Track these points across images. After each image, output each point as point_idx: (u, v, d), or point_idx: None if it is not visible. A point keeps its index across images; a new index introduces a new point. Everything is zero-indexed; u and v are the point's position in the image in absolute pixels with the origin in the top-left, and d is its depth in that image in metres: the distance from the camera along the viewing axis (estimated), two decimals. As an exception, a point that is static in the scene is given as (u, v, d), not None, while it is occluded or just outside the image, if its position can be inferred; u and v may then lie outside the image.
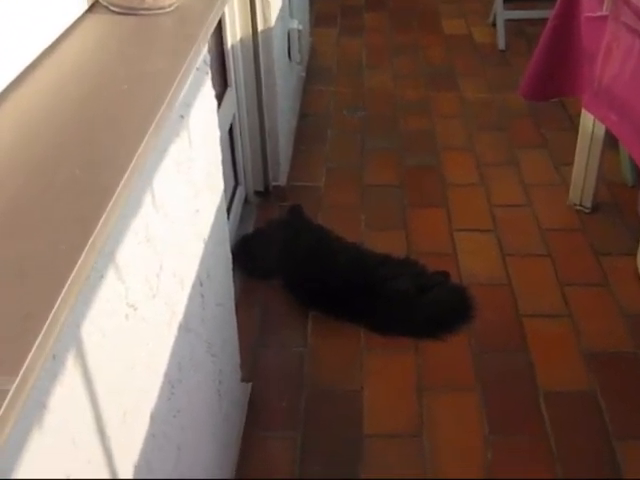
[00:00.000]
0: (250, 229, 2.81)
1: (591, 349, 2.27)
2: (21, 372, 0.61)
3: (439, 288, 2.50)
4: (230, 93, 2.60)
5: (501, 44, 4.35)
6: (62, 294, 0.68)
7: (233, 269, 1.84)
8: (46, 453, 0.79)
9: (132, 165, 0.85)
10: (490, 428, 2.03)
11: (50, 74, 1.06)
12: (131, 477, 1.07)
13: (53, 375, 0.80)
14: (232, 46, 2.59)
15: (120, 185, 0.82)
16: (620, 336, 2.32)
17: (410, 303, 2.39)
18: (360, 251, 2.63)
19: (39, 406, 0.76)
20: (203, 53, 1.43)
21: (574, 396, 2.12)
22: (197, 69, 1.40)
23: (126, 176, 0.83)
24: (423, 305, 2.41)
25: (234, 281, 1.86)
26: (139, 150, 0.88)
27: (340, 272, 2.47)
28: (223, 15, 2.48)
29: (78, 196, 0.82)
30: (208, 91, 1.53)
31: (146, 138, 0.90)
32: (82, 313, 0.86)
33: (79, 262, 0.72)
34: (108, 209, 0.79)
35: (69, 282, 0.69)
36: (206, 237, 1.51)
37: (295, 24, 3.25)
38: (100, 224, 0.77)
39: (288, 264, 2.58)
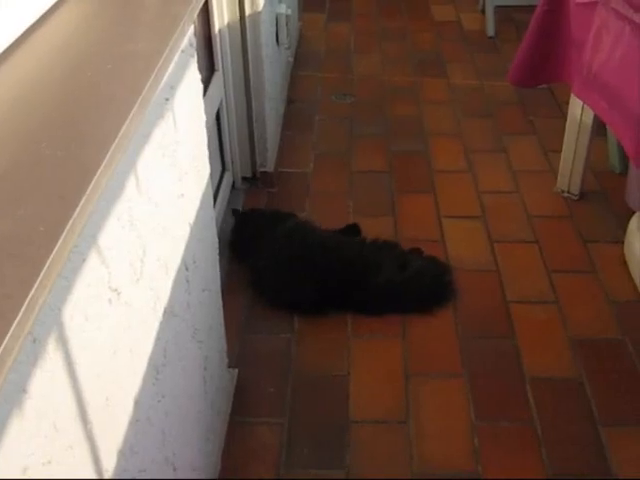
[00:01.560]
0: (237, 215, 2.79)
1: (578, 336, 2.27)
2: (-2, 354, 0.60)
3: (416, 260, 2.53)
4: (217, 77, 2.58)
5: (490, 31, 4.33)
6: (41, 276, 0.67)
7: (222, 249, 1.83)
8: (26, 438, 0.78)
9: (114, 145, 0.84)
10: (476, 414, 2.03)
11: (33, 52, 1.04)
12: (115, 461, 1.06)
13: (33, 359, 0.78)
14: (219, 30, 2.57)
15: (102, 166, 0.81)
16: (606, 323, 2.32)
17: (396, 288, 2.39)
18: (334, 243, 2.55)
19: (19, 390, 0.75)
20: (188, 34, 1.41)
21: (560, 382, 2.13)
22: (182, 51, 1.38)
23: (108, 156, 0.82)
24: (406, 282, 2.42)
25: (220, 266, 1.85)
26: (122, 130, 0.87)
27: (319, 273, 2.39)
28: (210, -2, 2.46)
29: (59, 176, 0.81)
30: (194, 74, 1.51)
31: (129, 118, 0.89)
32: (63, 296, 0.85)
33: (58, 244, 0.71)
34: (89, 190, 0.78)
35: (48, 264, 0.68)
36: (191, 221, 1.50)
37: (283, 9, 3.22)
38: (81, 205, 0.75)
39: (264, 278, 2.49)
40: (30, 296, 0.65)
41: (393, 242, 2.62)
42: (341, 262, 2.43)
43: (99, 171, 0.80)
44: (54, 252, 0.69)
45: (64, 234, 0.72)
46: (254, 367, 2.17)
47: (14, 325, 0.62)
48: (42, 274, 0.67)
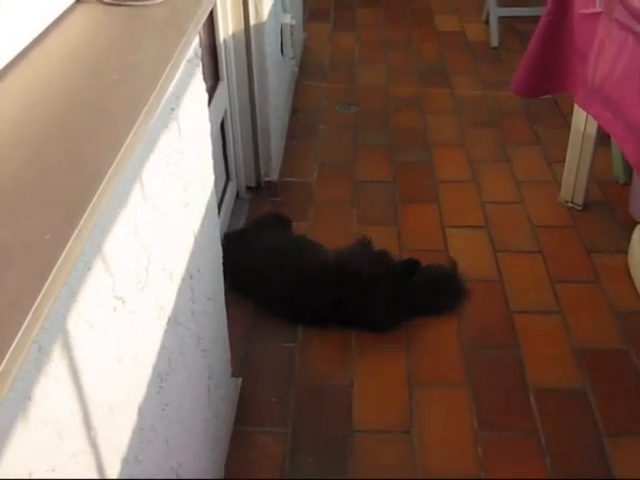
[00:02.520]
0: (241, 224, 2.80)
1: (581, 346, 2.27)
2: (4, 362, 0.60)
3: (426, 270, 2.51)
4: (222, 87, 2.59)
5: (494, 41, 4.34)
6: (47, 284, 0.67)
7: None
8: (30, 444, 0.78)
9: (120, 155, 0.85)
10: (480, 424, 2.03)
11: (39, 64, 1.05)
12: (119, 469, 1.07)
13: (38, 366, 0.79)
14: (224, 40, 2.58)
15: (107, 174, 0.81)
16: (610, 333, 2.32)
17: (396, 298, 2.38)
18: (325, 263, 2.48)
19: (23, 397, 0.76)
20: (193, 45, 1.42)
21: (564, 392, 2.13)
22: (188, 61, 1.39)
23: (114, 166, 0.83)
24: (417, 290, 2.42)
25: (224, 275, 1.85)
26: (127, 140, 0.87)
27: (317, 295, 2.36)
28: (215, 9, 2.47)
29: (65, 185, 0.81)
30: (199, 84, 1.52)
31: (134, 128, 0.90)
32: (68, 304, 0.86)
33: (64, 252, 0.71)
34: (95, 199, 0.78)
35: (54, 272, 0.69)
36: (196, 230, 1.50)
37: (288, 19, 3.24)
38: (87, 214, 0.76)
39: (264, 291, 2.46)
40: (36, 304, 0.65)
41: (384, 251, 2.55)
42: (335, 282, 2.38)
43: (105, 180, 0.81)
44: (60, 261, 0.70)
45: (70, 243, 0.72)
46: (257, 376, 2.17)
47: (20, 333, 0.63)
48: (48, 282, 0.67)
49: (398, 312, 2.36)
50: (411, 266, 2.49)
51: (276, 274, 2.42)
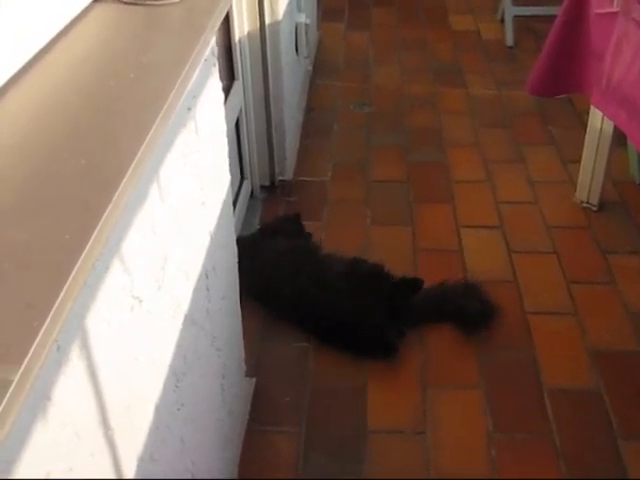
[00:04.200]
0: (256, 223, 2.80)
1: (596, 347, 2.26)
2: (25, 362, 0.60)
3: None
4: (237, 86, 2.59)
5: (509, 41, 4.33)
6: (67, 284, 0.67)
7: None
8: (49, 445, 0.78)
9: (139, 155, 0.85)
10: (494, 425, 2.02)
11: (57, 63, 1.05)
12: (134, 469, 1.07)
13: (57, 366, 0.79)
14: (239, 39, 2.58)
15: (127, 175, 0.81)
16: (625, 335, 2.31)
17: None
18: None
19: (43, 397, 0.76)
20: (211, 45, 1.42)
21: (579, 394, 2.12)
22: (205, 60, 1.39)
23: (133, 166, 0.83)
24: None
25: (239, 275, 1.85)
26: (146, 140, 0.87)
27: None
28: (231, 8, 2.47)
29: (84, 185, 0.81)
30: (215, 83, 1.52)
31: (153, 128, 0.90)
32: (87, 304, 0.86)
33: (84, 252, 0.71)
34: (114, 199, 0.78)
35: (74, 272, 0.69)
36: (212, 230, 1.50)
37: (303, 18, 3.24)
38: (106, 214, 0.76)
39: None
40: (57, 304, 0.65)
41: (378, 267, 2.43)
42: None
43: (124, 179, 0.81)
44: (80, 260, 0.70)
45: (90, 243, 0.72)
46: (271, 376, 2.17)
47: (40, 333, 0.63)
48: (68, 282, 0.67)
49: (393, 337, 2.27)
50: (410, 287, 2.40)
51: (281, 284, 2.40)
